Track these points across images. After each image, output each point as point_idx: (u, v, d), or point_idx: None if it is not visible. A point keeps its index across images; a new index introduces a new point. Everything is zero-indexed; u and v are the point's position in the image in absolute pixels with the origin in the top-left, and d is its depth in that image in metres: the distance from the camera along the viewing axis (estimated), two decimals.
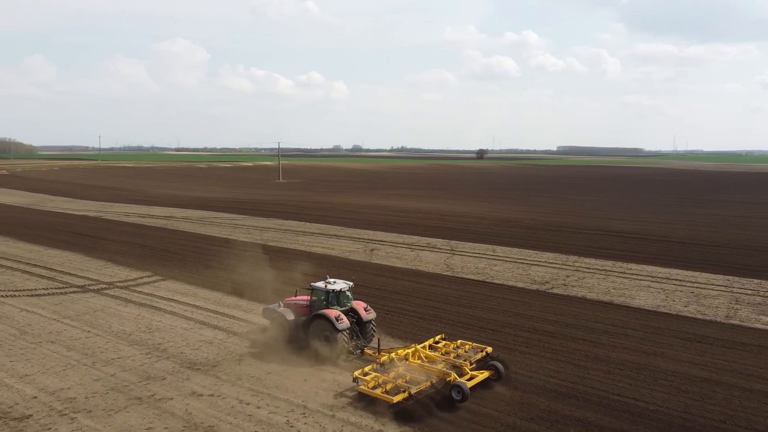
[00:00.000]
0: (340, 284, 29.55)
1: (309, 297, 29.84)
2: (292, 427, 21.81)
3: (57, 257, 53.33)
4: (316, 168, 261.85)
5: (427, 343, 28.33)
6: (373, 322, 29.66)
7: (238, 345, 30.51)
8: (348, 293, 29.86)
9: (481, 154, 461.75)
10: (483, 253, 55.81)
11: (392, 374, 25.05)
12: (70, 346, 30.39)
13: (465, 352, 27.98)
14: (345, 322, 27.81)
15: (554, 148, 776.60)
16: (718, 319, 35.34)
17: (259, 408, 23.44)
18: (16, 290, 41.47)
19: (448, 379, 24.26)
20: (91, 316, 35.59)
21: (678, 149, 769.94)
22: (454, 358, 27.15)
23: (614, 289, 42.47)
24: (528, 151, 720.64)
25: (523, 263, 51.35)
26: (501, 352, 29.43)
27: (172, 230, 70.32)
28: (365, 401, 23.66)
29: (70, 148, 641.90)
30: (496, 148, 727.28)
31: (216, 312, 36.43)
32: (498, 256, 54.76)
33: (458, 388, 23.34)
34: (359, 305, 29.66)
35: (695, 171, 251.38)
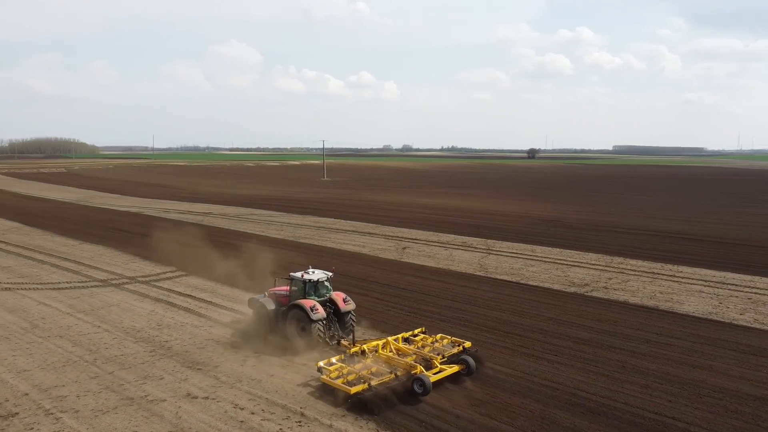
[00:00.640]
0: (318, 274, 29.01)
1: (288, 287, 29.36)
2: None
3: (89, 251, 53.54)
4: (361, 167, 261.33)
5: (400, 336, 27.30)
6: (352, 313, 29.02)
7: (245, 344, 28.93)
8: (327, 283, 29.28)
9: (532, 153, 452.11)
10: (520, 253, 52.80)
11: (359, 365, 24.28)
12: (76, 341, 29.57)
13: (442, 346, 26.70)
14: (320, 313, 27.38)
15: (610, 148, 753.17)
16: None
17: (253, 414, 21.72)
18: (40, 283, 41.41)
19: (413, 372, 23.48)
20: (105, 310, 34.87)
21: (743, 149, 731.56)
22: (429, 351, 25.95)
23: (661, 293, 38.91)
24: (582, 151, 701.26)
25: (562, 264, 48.13)
26: (526, 360, 26.96)
27: (206, 226, 70.04)
28: (367, 410, 21.67)
29: (130, 148, 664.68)
30: (549, 147, 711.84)
31: (231, 309, 35.10)
32: (536, 256, 51.65)
33: (420, 381, 22.61)
34: (338, 296, 29.09)
35: (759, 170, 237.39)
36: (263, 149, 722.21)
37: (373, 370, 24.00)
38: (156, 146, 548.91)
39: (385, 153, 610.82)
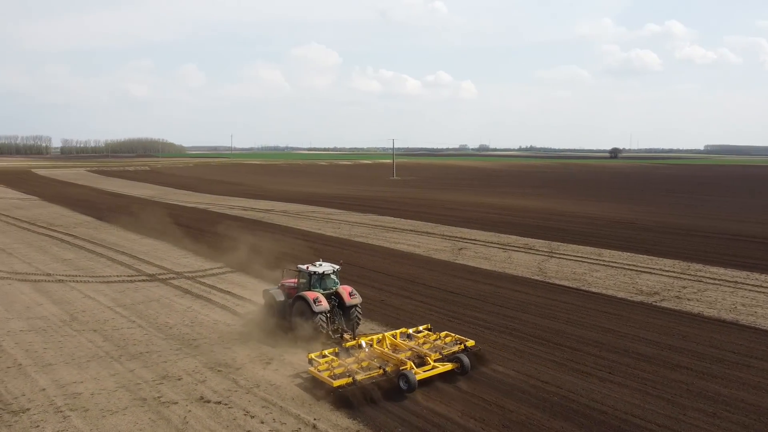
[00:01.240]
0: (324, 267, 28.95)
1: (297, 279, 29.53)
2: None
3: (147, 246, 54.46)
4: (434, 166, 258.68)
5: (398, 332, 26.94)
6: (358, 307, 28.76)
7: (273, 346, 27.56)
8: (333, 276, 29.16)
9: (614, 153, 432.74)
10: (586, 257, 48.90)
11: (351, 359, 24.03)
12: (108, 336, 29.28)
13: (444, 343, 25.97)
14: (323, 305, 27.18)
15: (701, 147, 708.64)
16: None
17: (262, 423, 20.19)
18: (92, 276, 42.10)
19: (402, 368, 22.92)
20: (144, 305, 34.67)
21: None
22: (429, 348, 25.22)
23: (743, 305, 34.41)
24: (670, 151, 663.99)
25: (631, 270, 44.00)
26: (574, 376, 24.04)
27: (264, 223, 70.24)
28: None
29: (214, 148, 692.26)
30: (633, 147, 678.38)
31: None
32: (603, 260, 47.64)
33: (405, 377, 22.17)
34: (345, 289, 28.85)
35: None
36: (340, 149, 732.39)
37: (364, 364, 23.63)
38: (238, 146, 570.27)
39: (460, 153, 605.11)
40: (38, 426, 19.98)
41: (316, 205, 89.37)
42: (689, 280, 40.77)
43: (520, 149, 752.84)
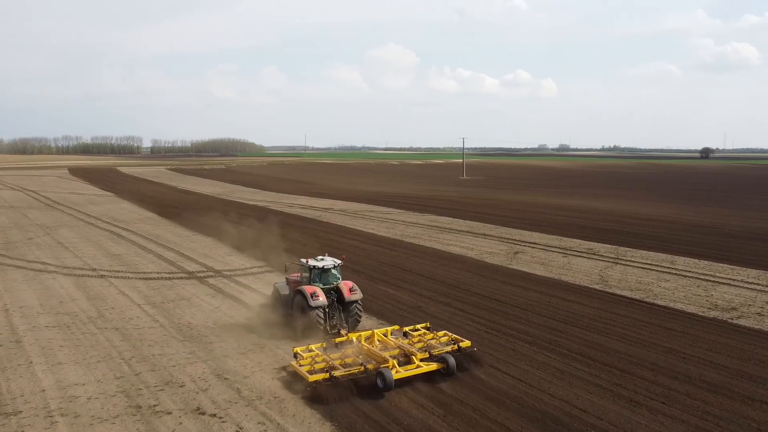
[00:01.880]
0: (326, 261, 28.75)
1: (300, 273, 29.44)
2: None
3: (197, 243, 54.47)
4: (507, 166, 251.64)
5: (389, 329, 26.50)
6: (358, 303, 28.18)
7: (288, 353, 25.68)
8: (334, 271, 28.77)
9: (705, 153, 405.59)
10: (656, 265, 44.15)
11: (336, 355, 23.69)
12: (127, 335, 28.45)
13: (439, 343, 25.07)
14: (320, 300, 26.88)
15: None
16: None
17: None
18: (134, 272, 42.03)
19: (383, 366, 22.29)
20: (173, 304, 33.84)
21: None
22: (421, 347, 24.34)
23: None
24: None
25: (707, 280, 39.10)
26: (620, 405, 20.66)
27: (318, 221, 69.17)
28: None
29: (292, 148, 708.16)
30: (728, 147, 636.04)
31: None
32: (675, 268, 42.80)
33: (381, 375, 21.64)
34: (346, 285, 28.34)
35: None
36: (416, 149, 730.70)
37: (348, 361, 23.20)
38: (315, 146, 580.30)
39: (539, 152, 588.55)
40: (23, 431, 18.99)
41: (376, 204, 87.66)
42: None
43: (602, 149, 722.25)
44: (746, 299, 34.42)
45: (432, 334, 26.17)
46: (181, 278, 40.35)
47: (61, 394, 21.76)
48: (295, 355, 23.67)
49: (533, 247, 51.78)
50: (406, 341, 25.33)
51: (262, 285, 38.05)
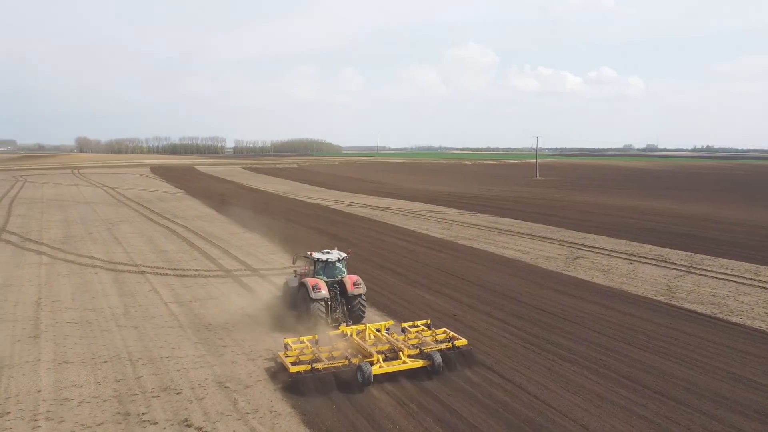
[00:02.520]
0: (331, 255, 28.82)
1: (306, 266, 29.89)
2: None
3: (244, 240, 53.94)
4: (586, 166, 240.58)
5: (383, 324, 25.96)
6: (362, 297, 27.99)
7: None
8: (339, 265, 28.81)
9: None
10: (736, 275, 39.07)
11: (326, 348, 23.56)
12: (143, 335, 27.55)
13: (434, 340, 24.39)
14: (321, 293, 26.81)
15: None
16: None
17: None
18: (174, 269, 41.69)
19: (366, 360, 22.02)
20: (199, 303, 32.88)
21: None
22: (414, 344, 23.87)
23: None
24: None
25: None
26: None
27: (372, 221, 67.37)
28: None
29: (369, 148, 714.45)
30: None
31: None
32: (759, 280, 37.64)
33: (361, 369, 21.31)
34: (351, 279, 28.25)
35: None
36: (493, 149, 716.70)
37: (336, 354, 23.11)
38: (392, 146, 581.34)
39: (624, 153, 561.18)
40: None
41: (436, 204, 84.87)
42: None
43: (694, 149, 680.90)
44: None
45: (430, 332, 25.56)
46: (217, 276, 39.56)
47: (54, 396, 20.86)
48: (286, 346, 23.70)
49: (596, 252, 47.52)
50: (402, 337, 24.96)
51: None
